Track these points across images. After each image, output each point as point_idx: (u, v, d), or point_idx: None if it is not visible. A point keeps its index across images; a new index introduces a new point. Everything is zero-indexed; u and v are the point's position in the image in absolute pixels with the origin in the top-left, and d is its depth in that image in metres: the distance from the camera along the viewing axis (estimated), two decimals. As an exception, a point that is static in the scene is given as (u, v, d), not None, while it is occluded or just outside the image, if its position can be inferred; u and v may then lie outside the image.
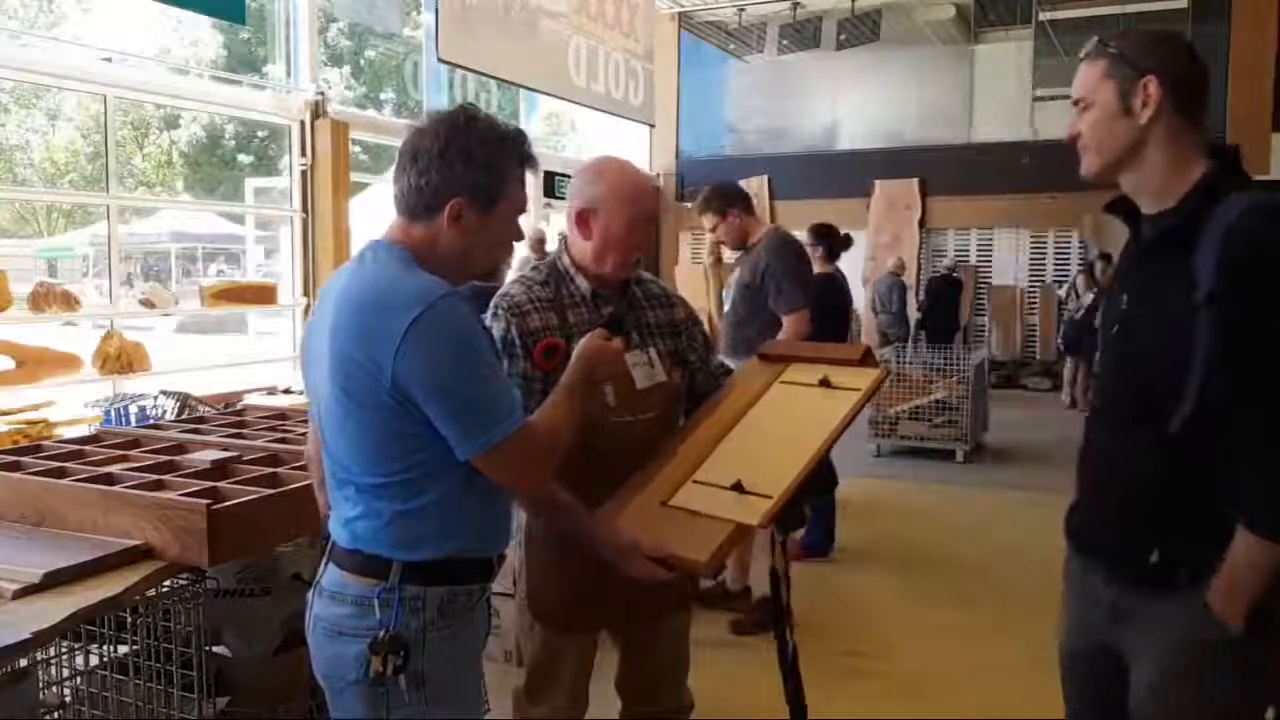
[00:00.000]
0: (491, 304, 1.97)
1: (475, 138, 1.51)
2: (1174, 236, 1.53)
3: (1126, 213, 1.67)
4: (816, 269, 5.07)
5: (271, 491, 2.14)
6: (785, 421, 1.91)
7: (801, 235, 5.24)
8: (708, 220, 3.95)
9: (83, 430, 3.81)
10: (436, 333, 1.41)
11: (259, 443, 2.61)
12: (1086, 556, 1.72)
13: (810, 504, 4.80)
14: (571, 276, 2.00)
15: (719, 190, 3.99)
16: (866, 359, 1.97)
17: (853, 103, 14.04)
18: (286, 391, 5.39)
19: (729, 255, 4.35)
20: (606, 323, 1.80)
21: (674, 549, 1.68)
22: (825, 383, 1.93)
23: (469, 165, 1.50)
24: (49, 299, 5.00)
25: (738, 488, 1.74)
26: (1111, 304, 1.69)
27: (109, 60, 6.60)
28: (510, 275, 2.62)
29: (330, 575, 1.55)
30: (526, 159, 1.58)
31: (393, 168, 1.57)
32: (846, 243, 5.24)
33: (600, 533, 1.74)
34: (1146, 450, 1.56)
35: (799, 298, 3.79)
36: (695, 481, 1.83)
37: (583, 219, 1.97)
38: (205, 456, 2.40)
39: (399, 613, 1.48)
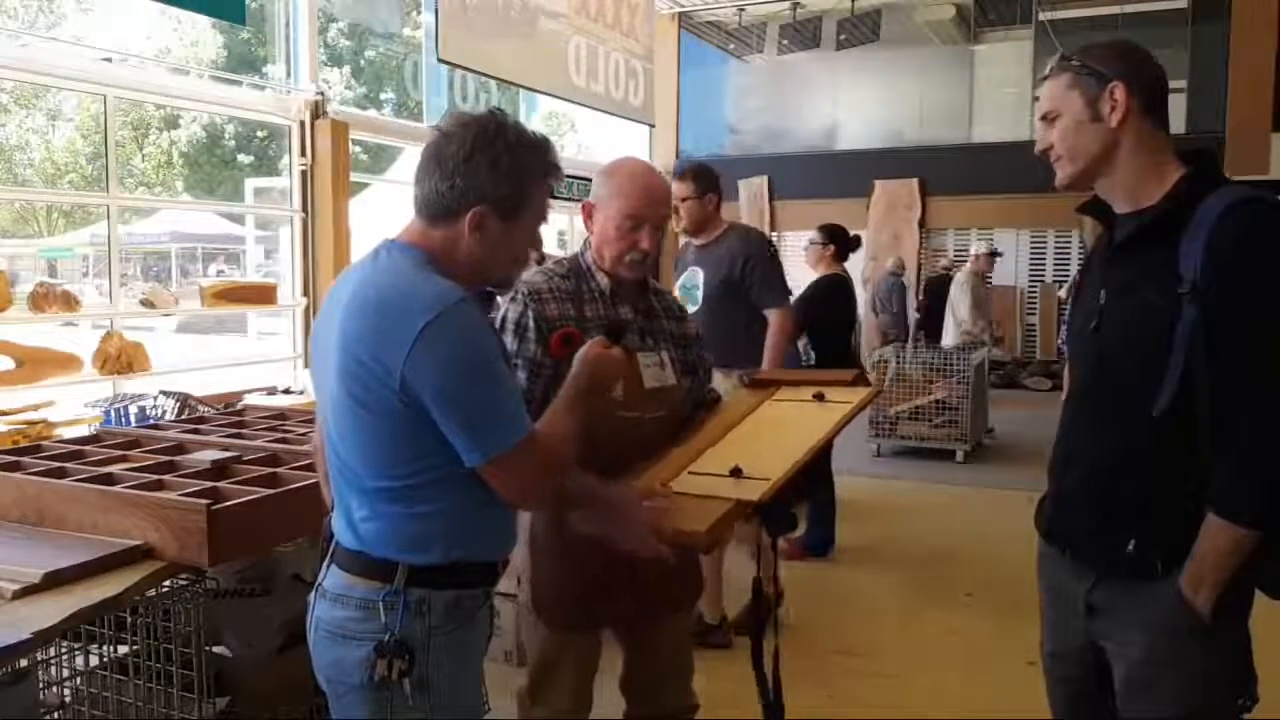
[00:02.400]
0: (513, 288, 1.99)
1: (502, 146, 1.49)
2: (1156, 232, 1.57)
3: (1100, 213, 1.70)
4: (825, 269, 5.08)
5: (271, 491, 2.14)
6: (781, 425, 1.94)
7: (811, 235, 5.25)
8: (682, 189, 3.71)
9: (83, 430, 3.82)
10: (448, 338, 1.39)
11: (259, 443, 2.61)
12: (1060, 550, 1.75)
13: (805, 505, 4.81)
14: (592, 273, 2.03)
15: (708, 170, 3.80)
16: (858, 382, 2.00)
17: (853, 103, 14.05)
18: (286, 391, 5.40)
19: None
20: (607, 331, 1.80)
21: (673, 523, 1.67)
22: (819, 397, 1.96)
23: (494, 173, 1.48)
24: (49, 299, 4.99)
25: (736, 473, 1.76)
26: (1088, 300, 1.72)
27: (109, 60, 6.60)
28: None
29: (333, 577, 1.54)
30: (551, 170, 1.57)
31: (392, 167, 1.56)
32: (856, 243, 5.23)
33: (613, 495, 1.72)
34: (1123, 440, 1.60)
35: (785, 293, 3.70)
36: (691, 472, 1.83)
37: (586, 211, 2.02)
38: (205, 456, 2.40)
39: (404, 616, 1.46)
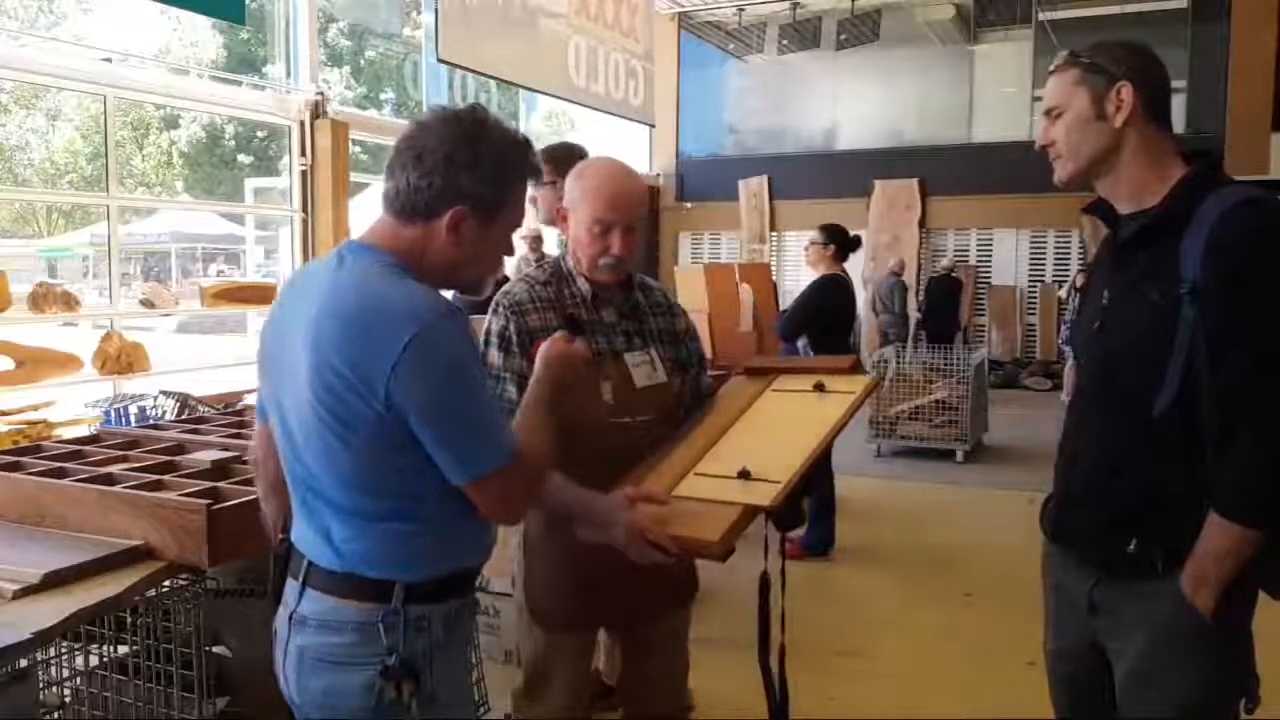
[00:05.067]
0: (493, 301, 1.97)
1: (486, 145, 1.42)
2: (1157, 231, 1.57)
3: (1105, 213, 1.70)
4: (825, 269, 5.08)
5: (271, 491, 2.13)
6: (783, 420, 1.91)
7: (811, 235, 5.25)
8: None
9: (83, 430, 3.81)
10: (436, 353, 1.32)
11: (259, 443, 2.60)
12: (1063, 548, 1.75)
13: (809, 502, 4.80)
14: (574, 277, 2.00)
15: (569, 153, 3.07)
16: (855, 369, 1.99)
17: (853, 103, 14.05)
18: (286, 391, 5.37)
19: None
20: (565, 324, 1.77)
21: (682, 532, 1.65)
22: (819, 387, 1.94)
23: (476, 173, 1.41)
24: (49, 299, 5.00)
25: (744, 475, 1.73)
26: (1092, 301, 1.73)
27: (109, 60, 6.60)
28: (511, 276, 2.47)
29: (315, 602, 1.44)
30: (532, 172, 1.50)
31: None
32: (856, 244, 5.23)
33: (604, 507, 1.71)
34: (1125, 440, 1.60)
35: None
36: (698, 474, 1.81)
37: (561, 215, 1.99)
38: (205, 456, 2.40)
39: (406, 635, 1.41)
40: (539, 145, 1.72)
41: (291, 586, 1.49)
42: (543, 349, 1.65)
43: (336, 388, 1.34)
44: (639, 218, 1.96)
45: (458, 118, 1.44)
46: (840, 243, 5.09)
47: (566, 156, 3.14)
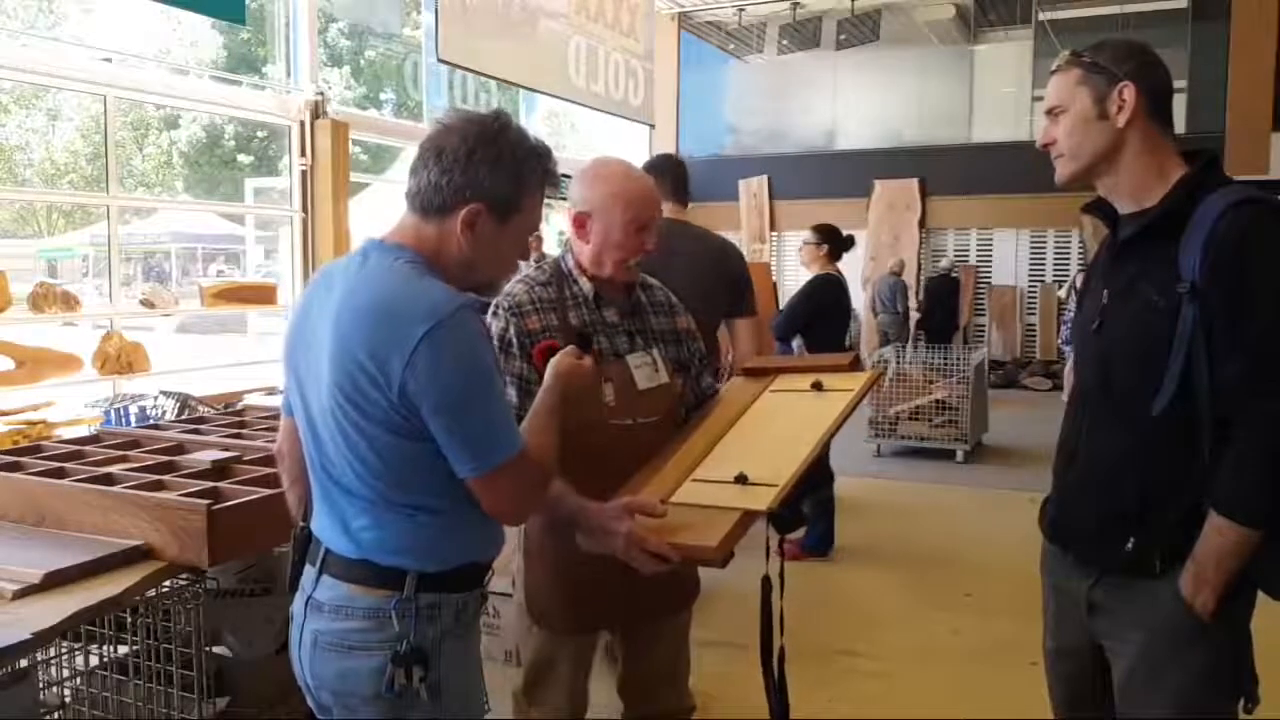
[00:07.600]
0: (493, 303, 1.97)
1: (506, 146, 1.47)
2: (1157, 231, 1.57)
3: (1105, 213, 1.70)
4: (819, 269, 5.08)
5: (271, 491, 2.13)
6: (781, 421, 1.91)
7: (806, 235, 5.25)
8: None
9: (83, 430, 3.81)
10: (450, 347, 1.35)
11: (259, 443, 2.60)
12: (1062, 548, 1.76)
13: (808, 503, 4.81)
14: (575, 278, 1.99)
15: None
16: (855, 366, 1.99)
17: (853, 103, 14.06)
18: (286, 392, 5.37)
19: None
20: (576, 340, 1.78)
21: (681, 539, 1.65)
22: (817, 386, 1.94)
23: (495, 172, 1.45)
24: (49, 299, 5.00)
25: (741, 479, 1.73)
26: (1091, 300, 1.73)
27: (109, 60, 6.60)
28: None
29: (330, 589, 1.49)
30: (550, 179, 1.54)
31: (392, 167, 1.52)
32: (849, 243, 5.22)
33: (603, 518, 1.71)
34: (1124, 439, 1.60)
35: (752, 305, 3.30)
36: (695, 480, 1.81)
37: (580, 223, 1.96)
38: (205, 456, 2.40)
39: (417, 623, 1.44)
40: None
41: (309, 572, 1.54)
42: (553, 363, 1.68)
43: (356, 378, 1.39)
44: (659, 214, 1.99)
45: (481, 118, 1.49)
46: (833, 242, 5.10)
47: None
